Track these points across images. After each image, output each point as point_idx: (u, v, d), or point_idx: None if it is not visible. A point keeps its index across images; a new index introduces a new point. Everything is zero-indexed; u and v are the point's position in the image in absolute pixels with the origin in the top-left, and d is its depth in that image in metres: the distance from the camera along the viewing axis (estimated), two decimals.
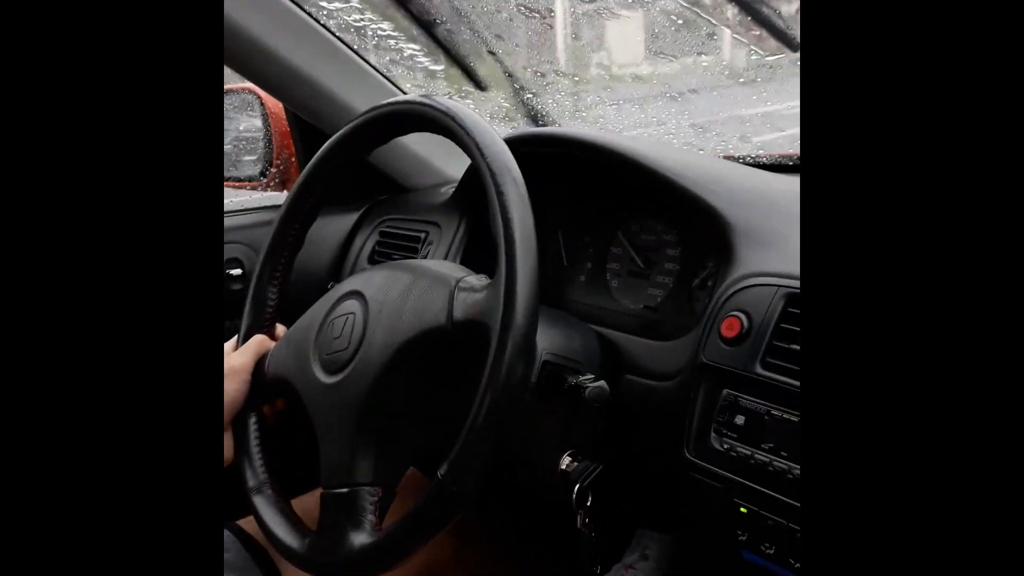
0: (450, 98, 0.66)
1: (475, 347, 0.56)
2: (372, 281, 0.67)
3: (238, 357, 0.73)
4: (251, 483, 0.70)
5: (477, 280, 0.60)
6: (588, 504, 0.73)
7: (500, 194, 0.57)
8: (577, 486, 0.72)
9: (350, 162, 0.77)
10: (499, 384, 0.52)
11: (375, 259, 1.10)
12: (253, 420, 0.73)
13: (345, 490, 0.61)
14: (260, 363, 0.74)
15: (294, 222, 0.78)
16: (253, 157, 1.27)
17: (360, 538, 0.59)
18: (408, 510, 0.55)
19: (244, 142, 1.29)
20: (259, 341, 0.75)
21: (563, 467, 0.72)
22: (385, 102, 0.71)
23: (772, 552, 0.59)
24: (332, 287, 0.73)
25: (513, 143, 0.87)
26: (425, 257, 1.03)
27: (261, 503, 0.68)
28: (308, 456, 0.68)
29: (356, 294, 0.67)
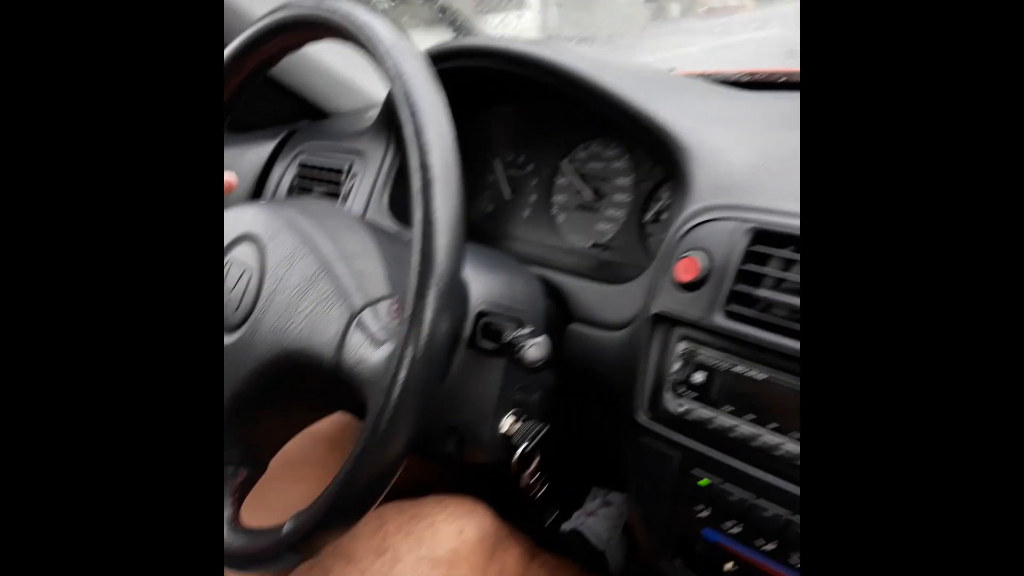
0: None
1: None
2: (278, 241, 0.56)
3: None
4: None
5: (386, 314, 0.51)
6: (534, 466, 0.65)
7: (418, 128, 0.47)
8: (520, 449, 0.64)
9: (252, 77, 0.65)
10: (419, 355, 0.43)
11: (294, 193, 0.98)
12: None
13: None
14: None
15: None
16: None
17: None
18: (255, 541, 0.50)
19: None
20: None
21: (504, 430, 0.64)
22: (282, 5, 0.59)
23: (738, 531, 0.51)
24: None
25: (439, 56, 0.75)
26: (349, 192, 0.91)
27: None
28: None
29: (259, 243, 0.57)
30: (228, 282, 0.57)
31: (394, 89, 0.49)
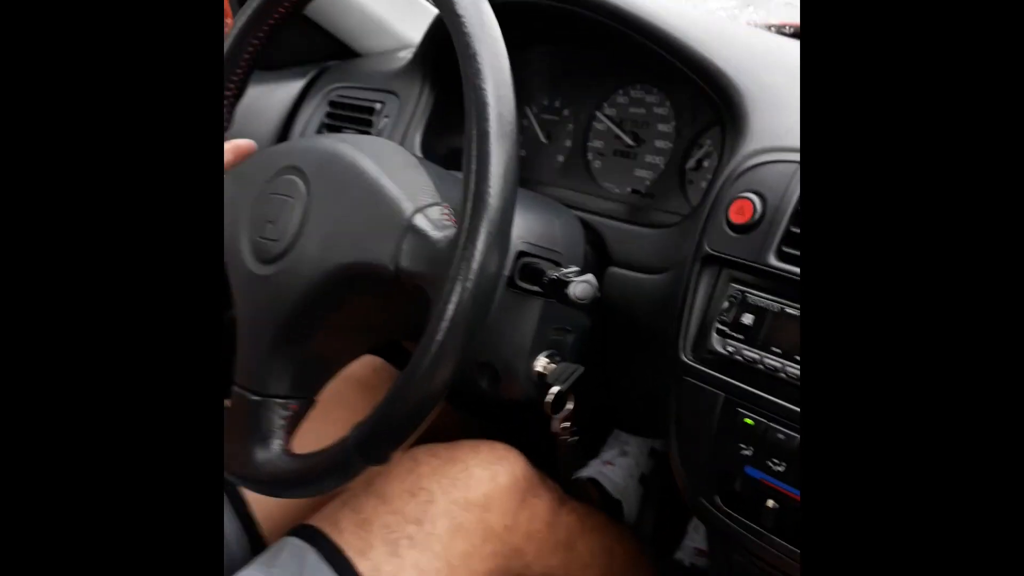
0: None
1: (420, 294, 0.48)
2: (323, 174, 0.56)
3: None
4: None
5: (439, 217, 0.50)
6: (568, 408, 0.66)
7: (473, 59, 0.47)
8: (556, 389, 0.64)
9: (289, 15, 0.64)
10: (467, 291, 0.44)
11: (323, 132, 0.97)
12: None
13: (256, 398, 0.54)
14: None
15: (228, 77, 0.66)
16: None
17: (267, 458, 0.53)
18: (309, 461, 0.50)
19: None
20: None
21: (539, 369, 0.64)
22: None
23: (782, 469, 0.51)
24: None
25: None
26: (380, 132, 0.90)
27: None
28: None
29: (302, 174, 0.57)
30: (269, 214, 0.56)
31: (453, 28, 0.48)
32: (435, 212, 0.50)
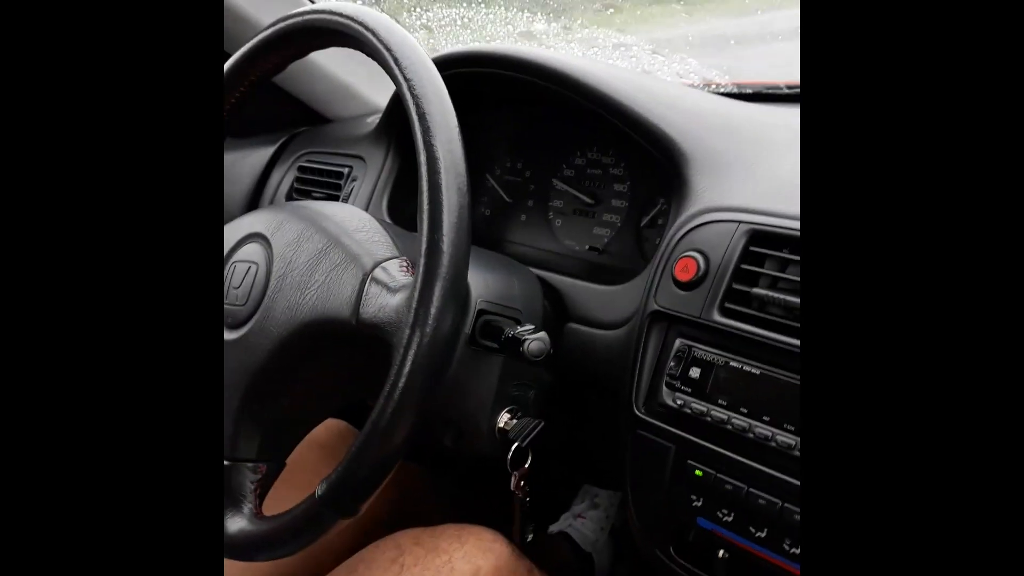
0: (368, 6, 0.56)
1: (381, 348, 0.49)
2: (282, 231, 0.58)
3: None
4: None
5: (397, 270, 0.52)
6: (527, 465, 0.67)
7: (426, 131, 0.49)
8: (515, 445, 0.65)
9: (256, 84, 0.67)
10: (424, 343, 0.45)
11: (294, 197, 0.99)
12: None
13: (227, 463, 0.55)
14: None
15: None
16: None
17: (237, 523, 0.53)
18: (292, 511, 0.50)
19: None
20: None
21: (501, 425, 0.65)
22: (291, 12, 0.60)
23: (731, 520, 0.53)
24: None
25: (442, 64, 0.77)
26: (348, 196, 0.93)
27: None
28: None
29: (263, 239, 0.59)
30: (234, 280, 0.58)
31: (403, 94, 0.50)
32: (393, 265, 0.52)
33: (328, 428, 0.89)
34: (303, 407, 0.61)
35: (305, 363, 0.56)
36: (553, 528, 1.06)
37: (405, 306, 0.47)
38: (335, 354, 0.57)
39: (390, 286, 0.50)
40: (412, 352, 0.45)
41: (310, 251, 0.55)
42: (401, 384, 0.45)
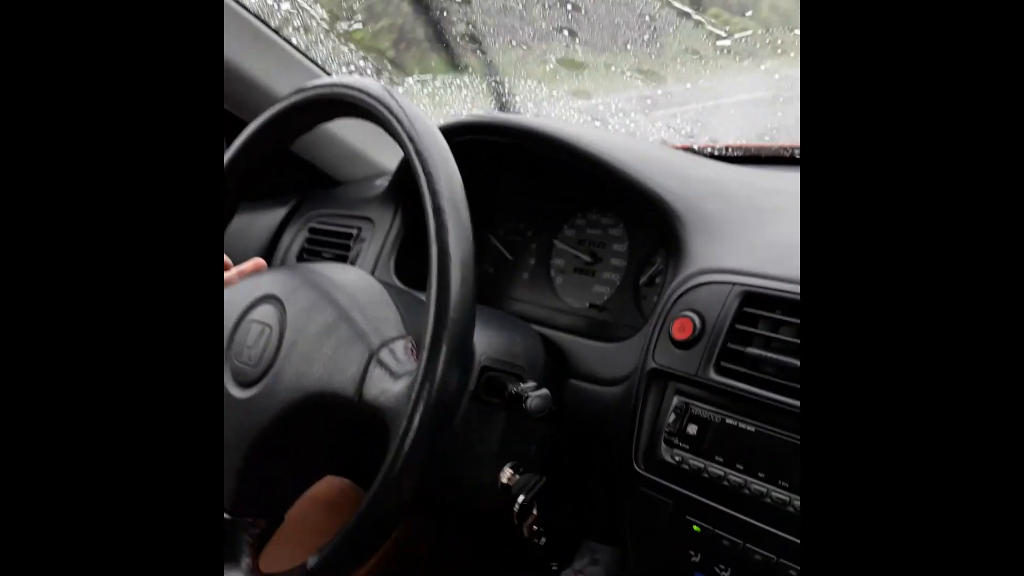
0: (383, 83, 0.60)
1: (380, 428, 0.51)
2: (297, 297, 0.60)
3: None
4: None
5: (403, 352, 0.54)
6: (532, 517, 0.68)
7: (435, 195, 0.51)
8: (520, 500, 0.67)
9: (272, 152, 0.70)
10: (431, 398, 0.46)
11: (304, 258, 1.03)
12: None
13: (227, 517, 0.57)
14: None
15: None
16: None
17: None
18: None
19: None
20: None
21: (504, 480, 0.67)
22: (308, 85, 0.64)
23: (727, 574, 0.54)
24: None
25: (448, 132, 0.81)
26: (356, 256, 0.96)
27: None
28: None
29: (278, 302, 0.61)
30: (248, 340, 0.60)
31: (411, 160, 0.53)
32: (399, 347, 0.54)
33: (331, 486, 0.90)
34: (303, 468, 0.62)
35: (308, 429, 0.58)
36: None
37: (406, 395, 0.49)
38: (337, 424, 0.59)
39: (394, 371, 0.52)
40: (418, 416, 0.47)
41: (320, 323, 0.57)
42: (407, 447, 0.47)
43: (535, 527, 0.69)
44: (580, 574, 1.06)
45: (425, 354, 0.48)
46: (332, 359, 0.55)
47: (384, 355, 0.53)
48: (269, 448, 0.57)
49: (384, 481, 0.47)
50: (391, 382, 0.52)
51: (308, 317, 0.58)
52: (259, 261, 0.74)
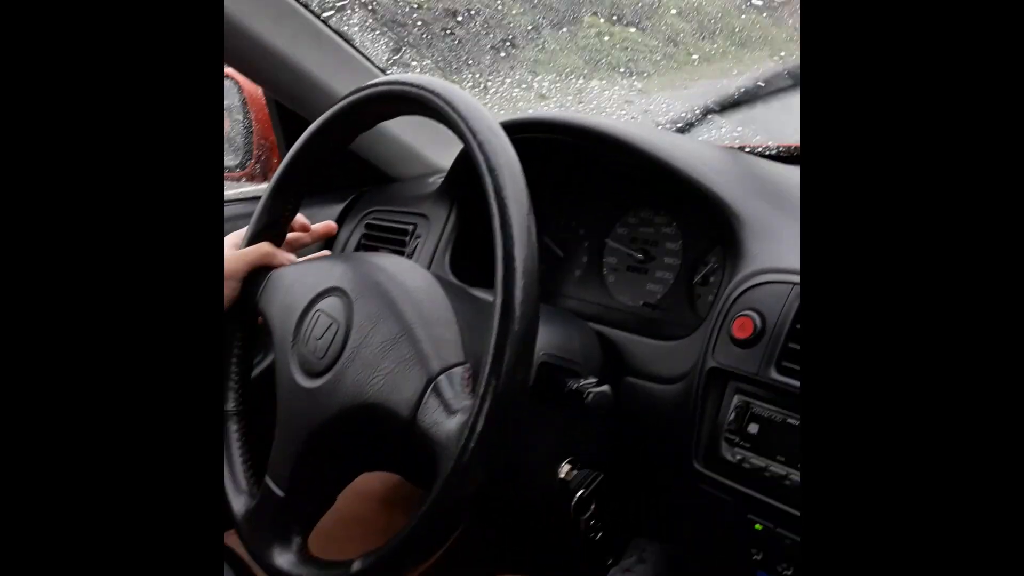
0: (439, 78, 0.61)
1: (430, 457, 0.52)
2: (365, 300, 0.61)
3: (234, 261, 0.68)
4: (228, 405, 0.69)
5: (460, 383, 0.55)
6: (590, 512, 0.69)
7: (499, 193, 0.52)
8: (578, 495, 0.68)
9: (334, 149, 0.72)
10: (497, 396, 0.47)
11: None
12: (238, 336, 0.70)
13: (281, 494, 0.59)
14: (259, 277, 0.69)
15: (285, 197, 0.73)
16: (231, 146, 1.21)
17: (283, 557, 0.57)
18: (324, 572, 0.54)
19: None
20: (261, 253, 0.70)
21: (562, 476, 0.68)
22: (370, 83, 0.66)
23: (790, 573, 0.54)
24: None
25: (508, 129, 0.82)
26: (413, 252, 0.98)
27: (228, 432, 0.67)
28: None
29: (345, 296, 0.62)
30: (316, 331, 0.62)
31: (476, 159, 0.54)
32: (457, 376, 0.55)
33: (383, 480, 0.91)
34: (356, 460, 0.64)
35: (365, 430, 0.59)
36: None
37: (457, 433, 0.50)
38: (390, 435, 0.59)
39: (450, 406, 0.52)
40: (484, 414, 0.47)
41: (385, 334, 0.57)
42: (473, 443, 0.48)
43: (591, 522, 0.70)
44: (628, 573, 1.07)
45: (492, 353, 0.48)
46: (392, 376, 0.55)
47: (442, 383, 0.54)
48: (327, 439, 0.59)
49: (436, 502, 0.49)
50: (445, 416, 0.52)
51: (374, 324, 0.59)
52: (331, 224, 0.76)
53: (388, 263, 0.65)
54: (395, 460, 0.70)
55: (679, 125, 1.07)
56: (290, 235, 0.77)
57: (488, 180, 0.53)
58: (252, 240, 0.72)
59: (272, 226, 0.73)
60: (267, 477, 0.61)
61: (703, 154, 0.77)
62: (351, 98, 0.67)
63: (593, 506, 0.69)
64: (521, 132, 0.84)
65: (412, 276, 0.63)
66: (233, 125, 1.22)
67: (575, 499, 0.68)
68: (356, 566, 0.52)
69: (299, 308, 0.64)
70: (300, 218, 0.78)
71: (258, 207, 0.73)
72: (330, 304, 0.63)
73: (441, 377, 0.54)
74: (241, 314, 0.71)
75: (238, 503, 0.63)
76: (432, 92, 0.59)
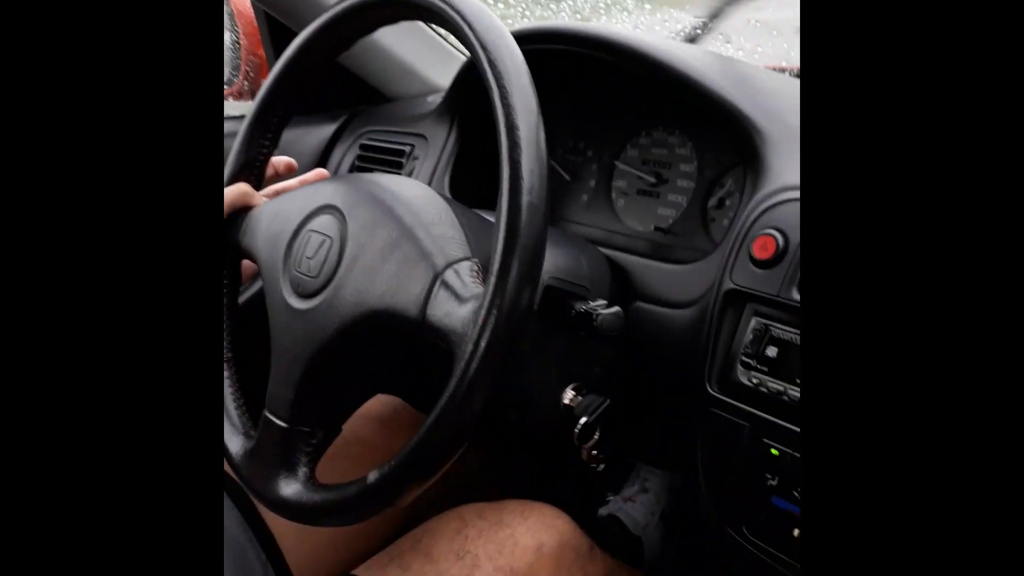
0: None
1: (443, 350, 0.49)
2: (359, 211, 0.58)
3: None
4: None
5: (468, 275, 0.52)
6: (594, 439, 0.67)
7: (506, 102, 0.48)
8: (582, 421, 0.66)
9: (325, 61, 0.67)
10: (500, 321, 0.45)
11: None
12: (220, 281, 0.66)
13: (284, 425, 0.56)
14: (239, 218, 0.65)
15: (264, 132, 0.68)
16: None
17: (290, 487, 0.54)
18: (338, 492, 0.51)
19: None
20: (239, 192, 0.66)
21: (566, 401, 0.66)
22: None
23: (800, 495, 0.52)
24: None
25: (518, 39, 0.78)
26: (410, 173, 0.93)
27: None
28: None
29: (339, 213, 0.58)
30: (308, 250, 0.58)
31: (483, 69, 0.50)
32: (464, 269, 0.52)
33: (384, 403, 0.90)
34: (361, 383, 0.61)
35: (368, 346, 0.57)
36: (603, 511, 1.06)
37: (471, 318, 0.47)
38: (398, 343, 0.58)
39: (460, 294, 0.50)
40: (489, 329, 0.45)
41: (384, 238, 0.54)
42: (475, 363, 0.45)
43: (594, 452, 0.68)
44: (630, 501, 1.06)
45: (494, 277, 0.46)
46: (396, 277, 0.53)
47: (449, 276, 0.51)
48: (328, 361, 0.56)
49: (450, 401, 0.46)
50: (457, 305, 0.49)
51: (371, 232, 0.56)
52: (322, 171, 0.72)
53: (380, 177, 0.62)
54: (399, 381, 0.67)
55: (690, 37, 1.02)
56: (277, 185, 0.72)
57: (494, 86, 0.49)
58: (229, 182, 0.68)
59: (249, 166, 0.68)
60: (265, 411, 0.58)
61: (723, 66, 0.72)
62: (344, 4, 0.62)
63: (597, 435, 0.67)
64: (531, 43, 0.79)
65: (408, 186, 0.60)
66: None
67: (579, 426, 0.65)
68: (372, 477, 0.49)
69: (288, 233, 0.60)
70: (286, 159, 0.73)
71: (235, 145, 0.68)
72: (321, 222, 0.59)
73: (448, 271, 0.51)
74: (228, 258, 0.67)
75: (235, 444, 0.60)
76: None
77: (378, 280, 0.53)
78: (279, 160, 0.72)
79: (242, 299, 0.88)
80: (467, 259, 0.53)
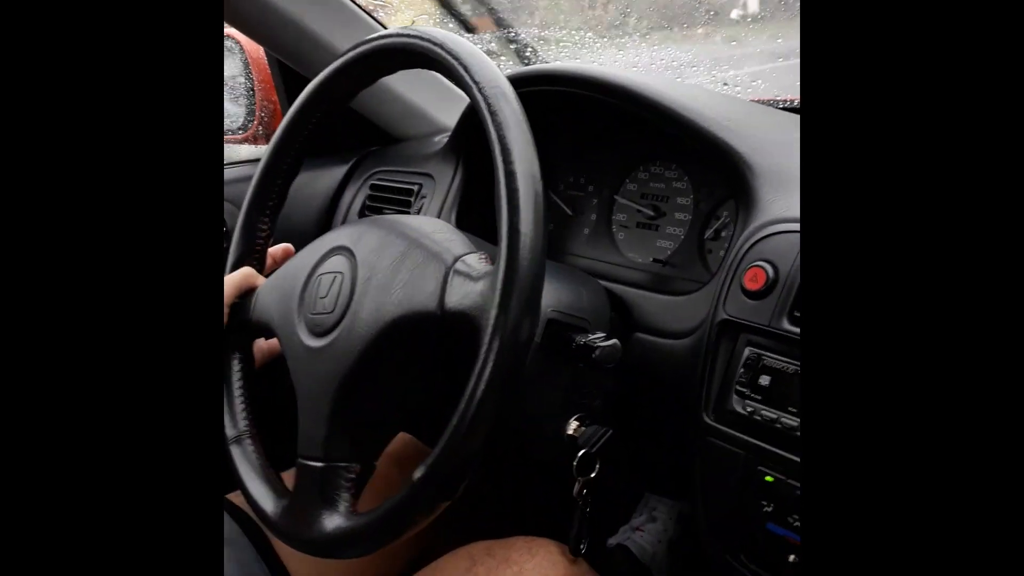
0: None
1: (466, 339, 0.51)
2: (364, 240, 0.61)
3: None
4: (230, 432, 0.64)
5: (477, 262, 0.55)
6: (593, 472, 0.68)
7: (503, 142, 0.51)
8: (582, 452, 0.67)
9: (335, 107, 0.71)
10: (503, 346, 0.47)
11: (366, 214, 1.04)
12: (236, 361, 0.67)
13: (320, 465, 0.56)
14: (247, 300, 0.68)
15: (275, 177, 0.72)
16: (233, 107, 1.20)
17: (333, 520, 0.54)
18: (387, 503, 0.51)
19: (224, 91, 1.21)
20: (244, 275, 0.69)
21: (570, 432, 0.67)
22: (370, 36, 0.64)
23: (800, 524, 0.54)
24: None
25: (514, 82, 0.81)
26: (419, 211, 0.96)
27: (238, 456, 0.63)
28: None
29: (346, 251, 0.61)
30: (320, 291, 0.60)
31: (482, 113, 0.53)
32: (472, 258, 0.55)
33: (397, 439, 0.91)
34: (389, 407, 0.62)
35: (391, 361, 0.57)
36: (611, 541, 1.06)
37: (489, 289, 0.49)
38: (419, 349, 0.58)
39: (472, 275, 0.52)
40: (491, 363, 0.47)
41: (392, 255, 0.57)
42: (479, 394, 0.47)
43: (584, 491, 0.69)
44: (639, 530, 1.07)
45: (497, 304, 0.48)
46: (410, 282, 0.55)
47: (460, 266, 0.54)
48: (355, 390, 0.57)
49: (455, 432, 0.48)
50: (471, 284, 0.52)
51: (379, 253, 0.58)
52: (287, 247, 0.76)
53: (385, 216, 0.65)
54: (421, 410, 0.68)
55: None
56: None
57: (493, 134, 0.51)
58: (234, 267, 0.71)
59: (251, 252, 0.72)
60: (299, 459, 0.58)
61: (714, 103, 0.75)
62: (354, 51, 0.65)
63: (598, 465, 0.68)
64: (528, 85, 0.82)
65: (407, 215, 0.63)
66: (235, 87, 1.20)
67: (577, 458, 0.67)
68: (419, 473, 0.50)
69: (299, 285, 0.63)
70: (283, 246, 0.77)
71: (235, 232, 0.72)
72: (330, 264, 0.62)
73: (457, 262, 0.54)
74: (235, 338, 0.69)
75: (270, 504, 0.59)
76: (436, 44, 0.57)
77: (393, 291, 0.55)
78: (275, 249, 0.76)
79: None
80: (473, 252, 0.56)
